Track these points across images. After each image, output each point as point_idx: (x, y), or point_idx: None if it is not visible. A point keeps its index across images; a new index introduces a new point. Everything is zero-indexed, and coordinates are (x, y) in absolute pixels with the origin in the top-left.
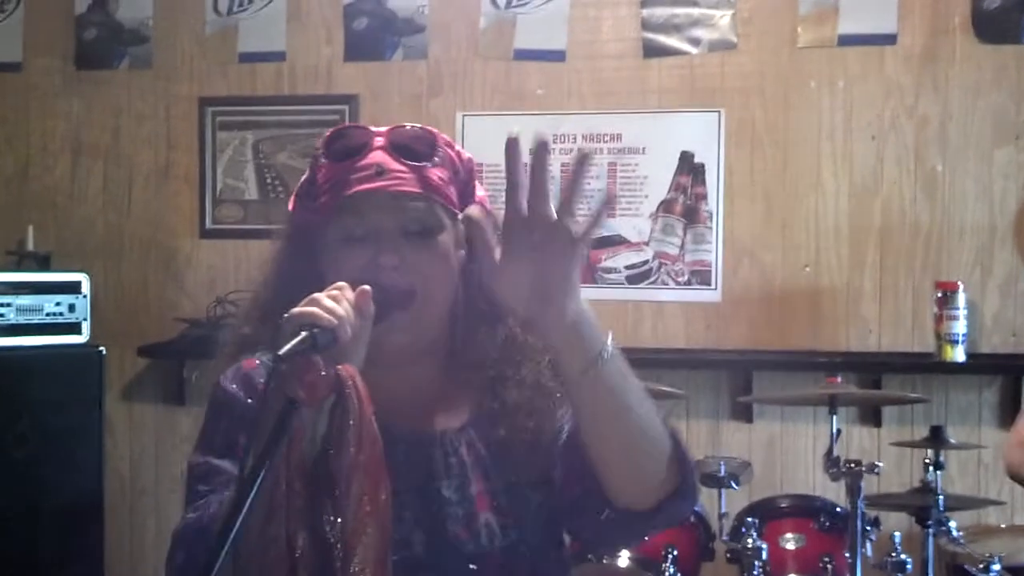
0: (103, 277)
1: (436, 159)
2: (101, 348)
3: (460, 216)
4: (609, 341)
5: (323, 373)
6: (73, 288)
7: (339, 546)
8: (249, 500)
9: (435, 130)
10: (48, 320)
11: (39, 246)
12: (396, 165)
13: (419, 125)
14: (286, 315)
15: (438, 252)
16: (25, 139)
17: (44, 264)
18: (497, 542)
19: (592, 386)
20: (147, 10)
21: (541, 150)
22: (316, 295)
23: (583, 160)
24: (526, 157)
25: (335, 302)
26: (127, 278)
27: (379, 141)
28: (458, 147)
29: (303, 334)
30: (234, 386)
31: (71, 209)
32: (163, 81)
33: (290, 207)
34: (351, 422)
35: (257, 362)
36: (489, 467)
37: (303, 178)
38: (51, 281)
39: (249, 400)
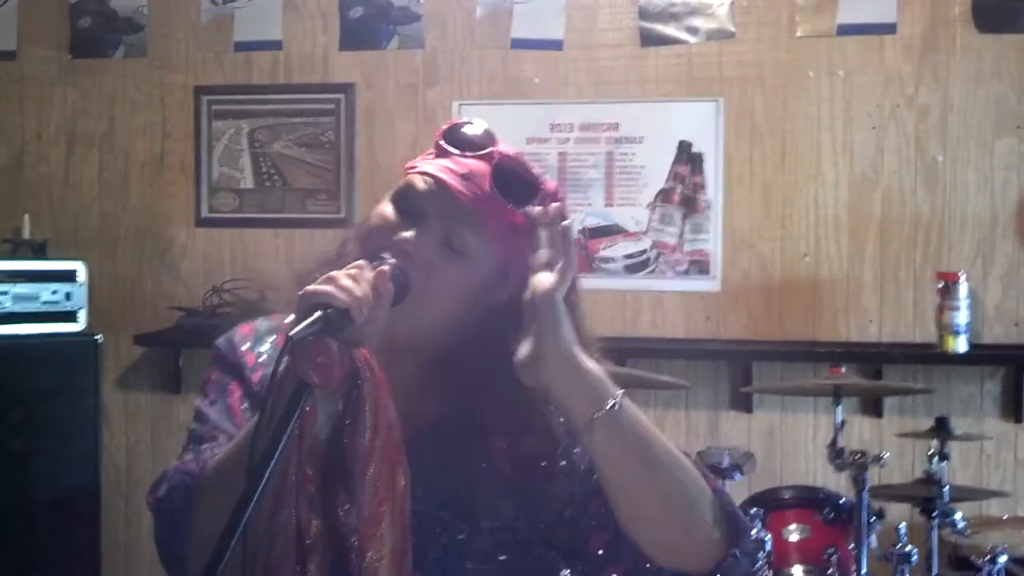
0: (99, 266)
1: (523, 210)
2: (97, 337)
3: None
4: (620, 394)
5: (337, 355)
6: (69, 276)
7: (354, 535)
8: (260, 486)
9: (545, 184)
10: (44, 308)
11: (35, 234)
12: (486, 185)
13: (534, 171)
14: (300, 292)
15: (457, 275)
16: (20, 128)
17: (40, 252)
18: (444, 538)
19: (602, 439)
20: None
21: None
22: (333, 273)
23: (557, 219)
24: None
25: (353, 281)
26: (123, 267)
27: (494, 157)
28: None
29: (316, 314)
30: (223, 342)
31: (67, 198)
32: (158, 70)
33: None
34: (366, 406)
35: (252, 327)
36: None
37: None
38: (47, 269)
39: (229, 356)
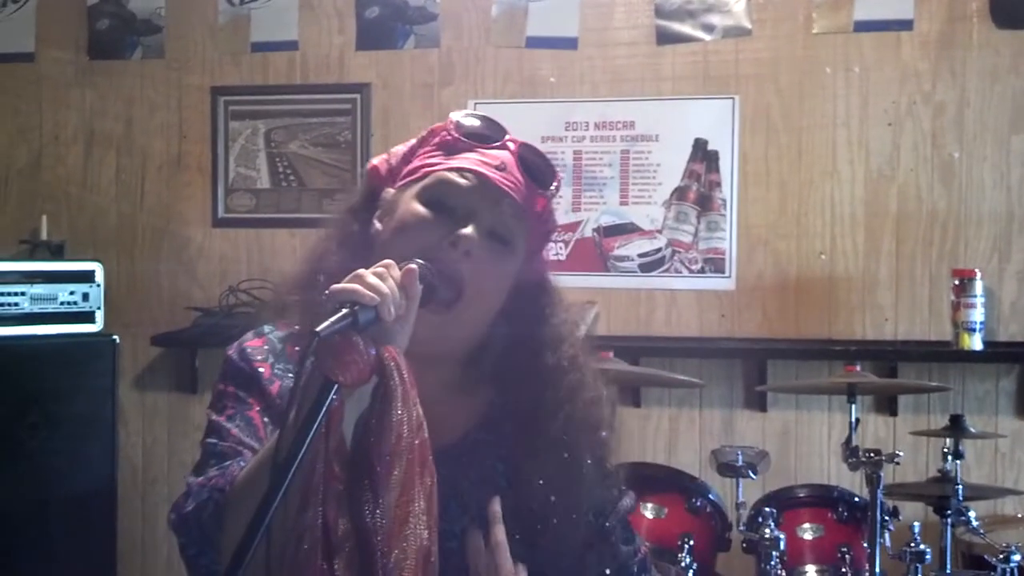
0: (116, 266)
1: (549, 193)
2: (114, 337)
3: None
4: None
5: (364, 353)
6: (87, 277)
7: (380, 533)
8: (285, 484)
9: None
10: (62, 309)
11: (53, 235)
12: (518, 174)
13: (550, 155)
14: (327, 291)
15: (505, 267)
16: (38, 129)
17: (58, 253)
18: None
19: None
20: (159, 0)
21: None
22: (360, 271)
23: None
24: None
25: (380, 279)
26: (140, 267)
27: (511, 145)
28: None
29: (343, 311)
30: (234, 353)
31: (84, 199)
32: (175, 71)
33: (374, 163)
34: (394, 406)
35: (263, 341)
36: (452, 505)
37: (407, 142)
38: (65, 270)
39: (243, 367)
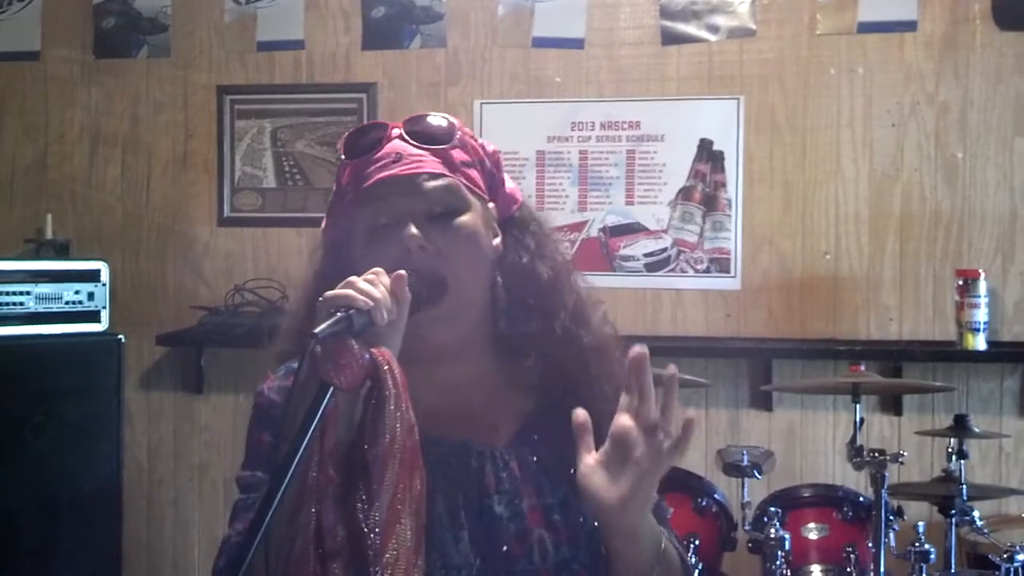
0: (121, 265)
1: (454, 141)
2: (120, 336)
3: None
4: (663, 544)
5: (358, 357)
6: (92, 276)
7: (373, 535)
8: (283, 486)
9: (453, 118)
10: (67, 308)
11: (58, 234)
12: (414, 150)
13: (437, 113)
14: (321, 298)
15: (466, 233)
16: (44, 128)
17: (63, 252)
18: (550, 560)
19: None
20: None
21: (672, 382)
22: (352, 278)
23: (673, 380)
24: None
25: (371, 285)
26: (145, 266)
27: (395, 132)
28: (482, 140)
29: (338, 315)
30: (276, 396)
31: (90, 198)
32: (181, 70)
33: (322, 227)
34: (387, 408)
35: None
36: (542, 481)
37: (332, 192)
38: (70, 269)
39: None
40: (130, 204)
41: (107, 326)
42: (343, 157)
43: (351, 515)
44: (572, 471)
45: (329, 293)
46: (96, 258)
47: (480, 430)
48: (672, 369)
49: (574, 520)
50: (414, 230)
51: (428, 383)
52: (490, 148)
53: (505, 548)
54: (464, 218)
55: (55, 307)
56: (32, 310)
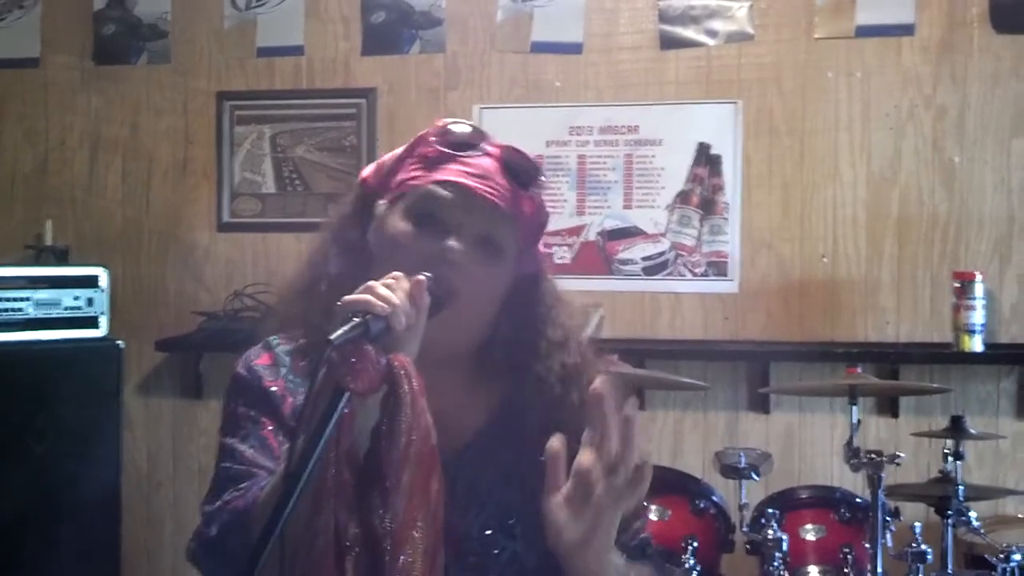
0: (121, 271)
1: (534, 191)
2: (119, 342)
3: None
4: None
5: (375, 362)
6: (91, 282)
7: (389, 538)
8: (298, 490)
9: (542, 170)
10: (66, 314)
11: (58, 240)
12: (500, 179)
13: (534, 155)
14: (339, 302)
15: (497, 272)
16: (44, 134)
17: (62, 258)
18: (504, 556)
19: None
20: (165, 5)
21: (633, 410)
22: (371, 283)
23: (631, 420)
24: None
25: (390, 291)
26: (145, 272)
27: (493, 151)
28: (543, 199)
29: (355, 320)
30: (244, 371)
31: (90, 204)
32: (181, 76)
33: (364, 175)
34: (404, 413)
35: (271, 357)
36: (493, 485)
37: (394, 152)
38: (69, 275)
39: (256, 386)
40: (130, 210)
41: (106, 332)
42: (433, 137)
43: (367, 518)
44: (525, 480)
45: (348, 298)
46: (96, 264)
47: (445, 428)
48: (631, 407)
49: (529, 519)
50: (458, 244)
51: None
52: (546, 208)
53: (461, 544)
54: (503, 261)
55: (54, 313)
56: (31, 316)
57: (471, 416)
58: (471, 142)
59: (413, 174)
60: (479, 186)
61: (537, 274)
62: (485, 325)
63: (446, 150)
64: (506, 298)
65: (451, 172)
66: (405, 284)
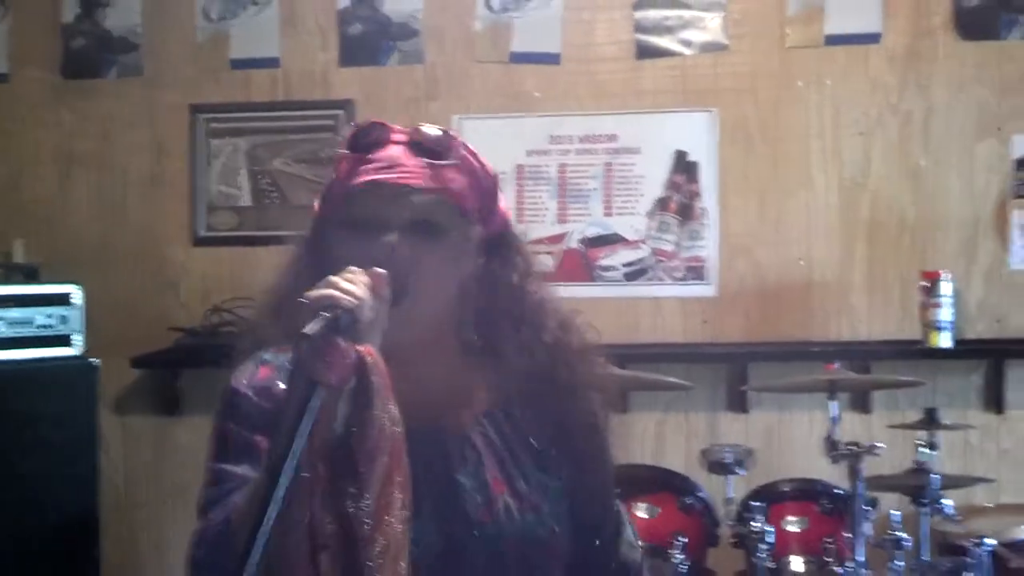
0: (95, 287)
1: (452, 159)
2: (94, 361)
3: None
4: None
5: (346, 354)
6: (63, 300)
7: (361, 528)
8: (281, 485)
9: (458, 136)
10: (39, 333)
11: (30, 257)
12: (411, 160)
13: (443, 128)
14: (302, 298)
15: (442, 251)
16: (14, 150)
17: (32, 276)
18: (516, 524)
19: None
20: (135, 18)
21: None
22: (332, 278)
23: None
24: None
25: (352, 284)
26: (120, 288)
27: (399, 138)
28: (484, 159)
29: (326, 315)
30: (247, 390)
31: (62, 220)
32: (153, 89)
33: (315, 207)
34: (374, 403)
35: (271, 370)
36: (504, 455)
37: (328, 179)
38: (40, 293)
39: (265, 406)
40: (103, 225)
41: (80, 350)
42: (344, 148)
43: (340, 509)
44: (537, 449)
45: (312, 293)
46: (68, 281)
47: (444, 413)
48: None
49: (537, 489)
50: (392, 236)
51: (397, 377)
52: (491, 170)
53: (471, 515)
54: (445, 237)
55: (26, 332)
56: (3, 335)
57: (471, 397)
58: (376, 139)
59: (337, 191)
60: (389, 176)
61: (503, 233)
62: (451, 303)
63: (355, 154)
64: (475, 269)
65: (364, 173)
66: (364, 277)
